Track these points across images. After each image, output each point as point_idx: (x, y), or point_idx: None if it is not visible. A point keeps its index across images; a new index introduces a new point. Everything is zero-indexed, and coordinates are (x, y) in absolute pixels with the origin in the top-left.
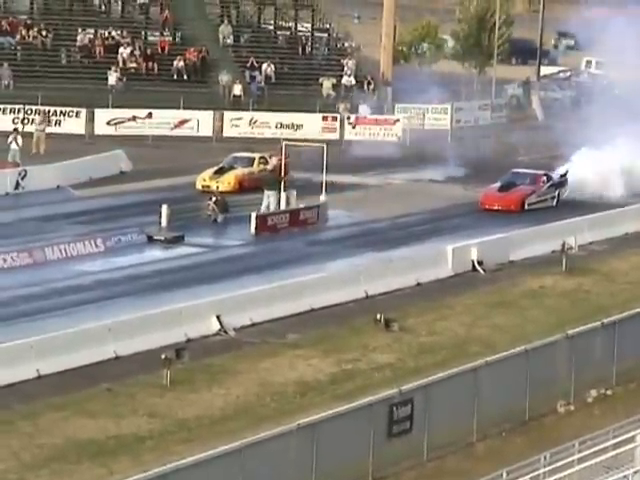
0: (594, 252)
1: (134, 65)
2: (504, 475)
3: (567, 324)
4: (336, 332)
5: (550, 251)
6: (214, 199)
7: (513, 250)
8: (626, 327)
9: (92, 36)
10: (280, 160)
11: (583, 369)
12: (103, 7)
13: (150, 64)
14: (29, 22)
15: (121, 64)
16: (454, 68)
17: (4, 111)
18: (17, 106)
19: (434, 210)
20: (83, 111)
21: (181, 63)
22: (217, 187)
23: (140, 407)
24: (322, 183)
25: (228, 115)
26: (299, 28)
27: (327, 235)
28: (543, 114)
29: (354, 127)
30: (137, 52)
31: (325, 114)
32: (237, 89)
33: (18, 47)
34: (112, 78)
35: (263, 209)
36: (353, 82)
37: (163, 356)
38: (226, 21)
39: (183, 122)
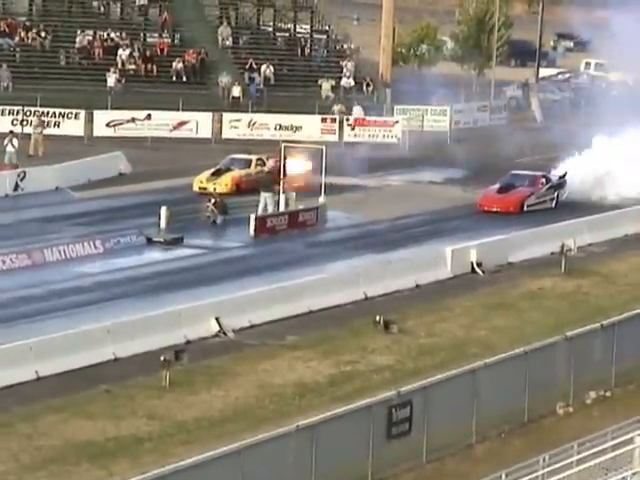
0: (593, 254)
1: (133, 67)
2: (503, 477)
3: (566, 326)
4: (335, 334)
5: (549, 253)
6: (213, 201)
7: (512, 252)
8: (625, 329)
9: (91, 38)
10: (278, 162)
11: (582, 371)
12: (102, 9)
13: (149, 66)
14: (28, 23)
15: (120, 66)
16: (453, 70)
17: (3, 112)
18: (16, 107)
19: (433, 212)
20: (82, 113)
21: (180, 65)
22: (214, 189)
23: (139, 409)
24: (321, 185)
25: (227, 117)
26: (298, 30)
27: (326, 237)
28: (542, 116)
29: (353, 129)
30: (136, 54)
31: (324, 116)
32: (236, 91)
33: (17, 48)
34: (111, 80)
35: (260, 211)
36: (352, 84)
37: (162, 358)
38: (225, 23)
39: (182, 124)
